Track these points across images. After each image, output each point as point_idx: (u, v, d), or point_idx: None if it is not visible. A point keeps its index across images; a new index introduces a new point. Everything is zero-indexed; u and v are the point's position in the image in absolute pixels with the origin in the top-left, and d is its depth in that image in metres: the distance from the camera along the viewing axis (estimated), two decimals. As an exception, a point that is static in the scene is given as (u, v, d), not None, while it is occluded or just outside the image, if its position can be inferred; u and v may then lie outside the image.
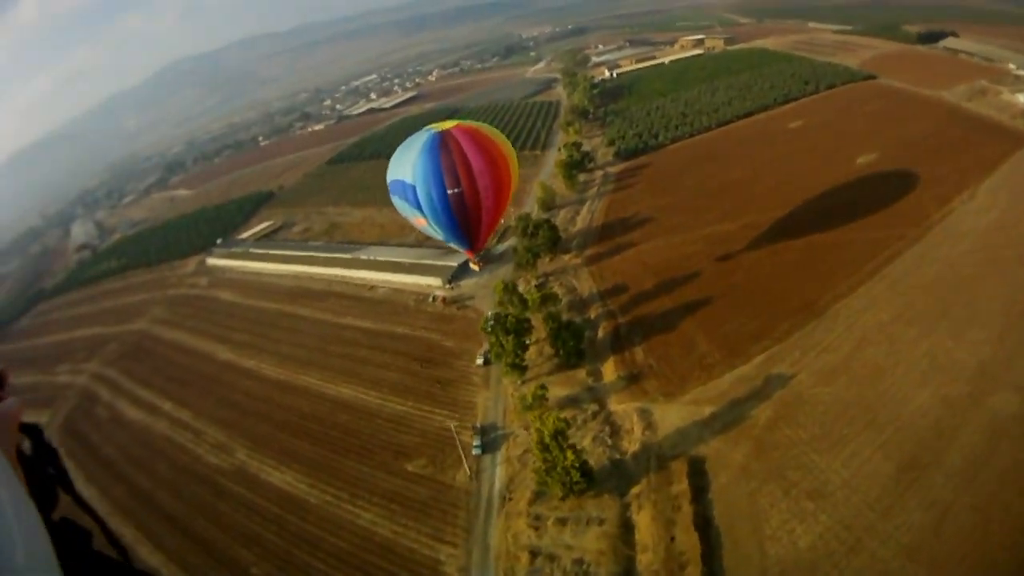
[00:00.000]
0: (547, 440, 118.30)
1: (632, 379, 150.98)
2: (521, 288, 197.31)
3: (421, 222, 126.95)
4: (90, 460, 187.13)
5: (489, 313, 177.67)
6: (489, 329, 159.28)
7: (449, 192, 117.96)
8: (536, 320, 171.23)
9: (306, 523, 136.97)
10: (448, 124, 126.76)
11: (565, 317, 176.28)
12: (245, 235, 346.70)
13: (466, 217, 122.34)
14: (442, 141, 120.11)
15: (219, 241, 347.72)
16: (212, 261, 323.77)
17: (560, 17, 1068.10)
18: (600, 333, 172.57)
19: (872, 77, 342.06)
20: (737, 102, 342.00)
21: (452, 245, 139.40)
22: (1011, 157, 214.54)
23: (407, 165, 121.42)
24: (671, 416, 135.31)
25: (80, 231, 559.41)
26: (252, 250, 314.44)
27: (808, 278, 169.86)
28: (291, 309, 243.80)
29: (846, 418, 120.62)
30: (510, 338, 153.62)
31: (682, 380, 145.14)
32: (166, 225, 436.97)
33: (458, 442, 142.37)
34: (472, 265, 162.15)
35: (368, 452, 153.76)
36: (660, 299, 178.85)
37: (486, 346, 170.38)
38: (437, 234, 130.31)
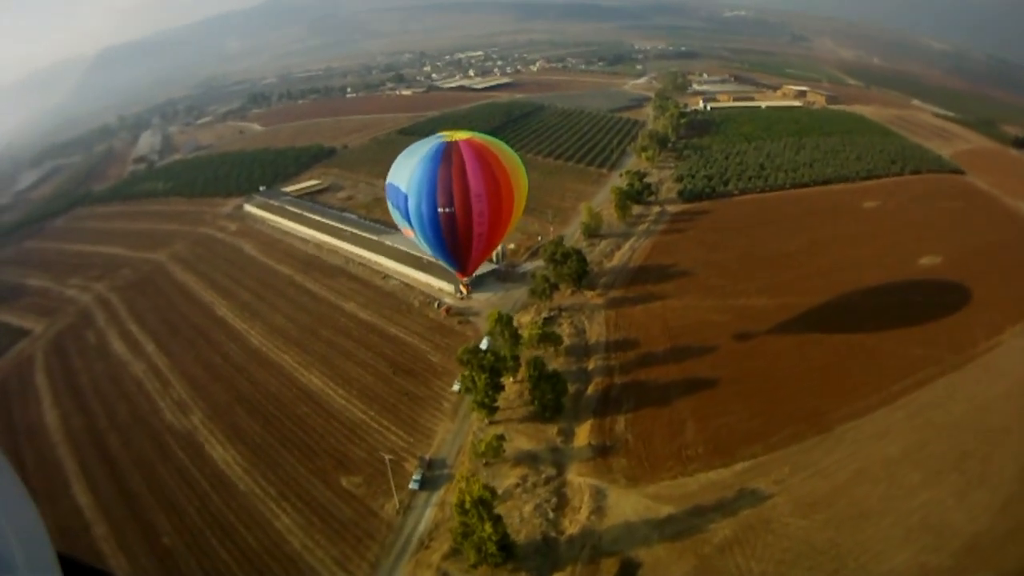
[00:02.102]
0: (468, 506, 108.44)
1: (602, 451, 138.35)
2: (527, 319, 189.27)
3: (410, 233, 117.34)
4: (63, 383, 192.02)
5: (484, 341, 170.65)
6: (464, 360, 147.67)
7: (440, 210, 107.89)
8: (527, 357, 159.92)
9: (228, 508, 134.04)
10: (461, 135, 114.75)
11: (559, 363, 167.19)
12: (289, 188, 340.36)
13: (455, 240, 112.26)
14: (445, 153, 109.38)
15: (262, 188, 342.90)
16: (248, 208, 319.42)
17: (676, 36, 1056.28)
18: (590, 388, 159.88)
19: (959, 172, 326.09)
20: (819, 166, 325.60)
21: (441, 263, 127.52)
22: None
23: (406, 171, 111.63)
24: (626, 505, 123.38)
25: (146, 142, 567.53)
26: (288, 207, 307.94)
27: (827, 384, 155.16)
28: (301, 279, 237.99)
29: (808, 562, 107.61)
30: (483, 376, 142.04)
31: (653, 467, 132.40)
32: (223, 157, 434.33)
33: (390, 476, 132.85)
34: (461, 287, 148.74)
35: (312, 454, 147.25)
36: (666, 366, 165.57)
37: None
38: (425, 250, 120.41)
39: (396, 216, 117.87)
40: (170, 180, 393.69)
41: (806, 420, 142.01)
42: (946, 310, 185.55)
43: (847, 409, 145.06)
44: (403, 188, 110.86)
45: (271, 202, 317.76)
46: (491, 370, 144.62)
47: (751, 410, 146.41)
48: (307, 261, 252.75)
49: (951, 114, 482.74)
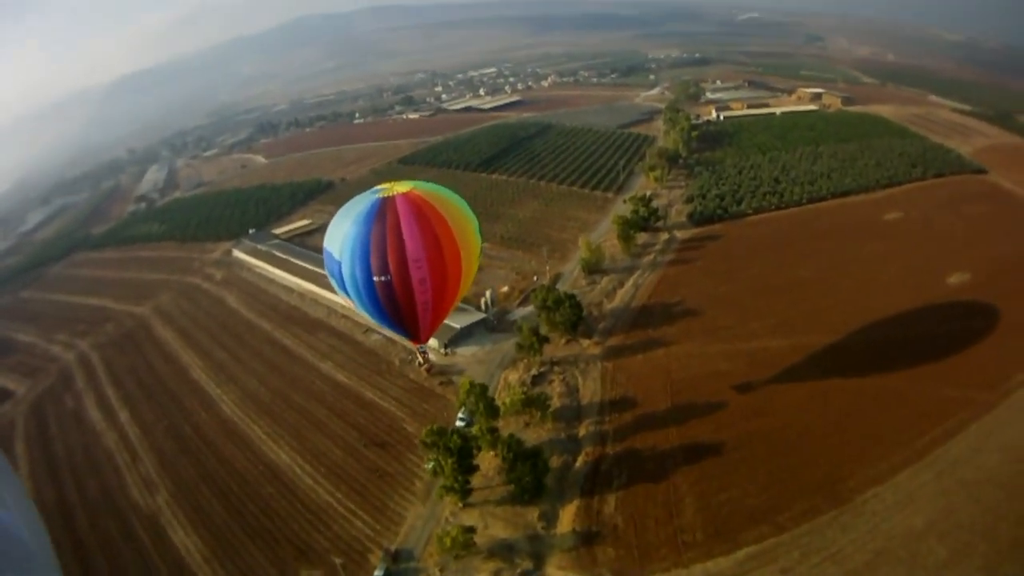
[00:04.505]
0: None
1: (588, 538, 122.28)
2: (515, 376, 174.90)
3: (350, 304, 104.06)
4: (40, 453, 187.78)
5: (460, 412, 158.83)
6: (429, 443, 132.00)
7: (375, 279, 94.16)
8: (507, 427, 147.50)
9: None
10: (401, 187, 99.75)
11: (546, 431, 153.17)
12: (280, 230, 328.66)
13: (397, 310, 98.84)
14: (379, 212, 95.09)
15: (251, 231, 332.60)
16: (236, 253, 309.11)
17: (689, 43, 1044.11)
18: (579, 460, 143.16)
19: (982, 171, 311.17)
20: (837, 176, 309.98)
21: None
22: None
23: (339, 234, 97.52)
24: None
25: (150, 179, 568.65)
26: (275, 251, 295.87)
27: (846, 443, 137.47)
28: (279, 336, 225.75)
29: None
30: (451, 460, 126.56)
31: (644, 557, 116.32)
32: (219, 196, 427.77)
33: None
34: (418, 356, 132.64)
35: (274, 542, 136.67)
36: (666, 430, 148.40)
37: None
38: (368, 319, 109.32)
39: (334, 285, 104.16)
40: (165, 222, 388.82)
41: (821, 491, 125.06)
42: (977, 338, 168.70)
43: (868, 473, 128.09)
44: (336, 254, 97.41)
45: (259, 247, 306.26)
46: (460, 451, 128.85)
47: (759, 482, 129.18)
48: (288, 314, 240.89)
49: (968, 108, 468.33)
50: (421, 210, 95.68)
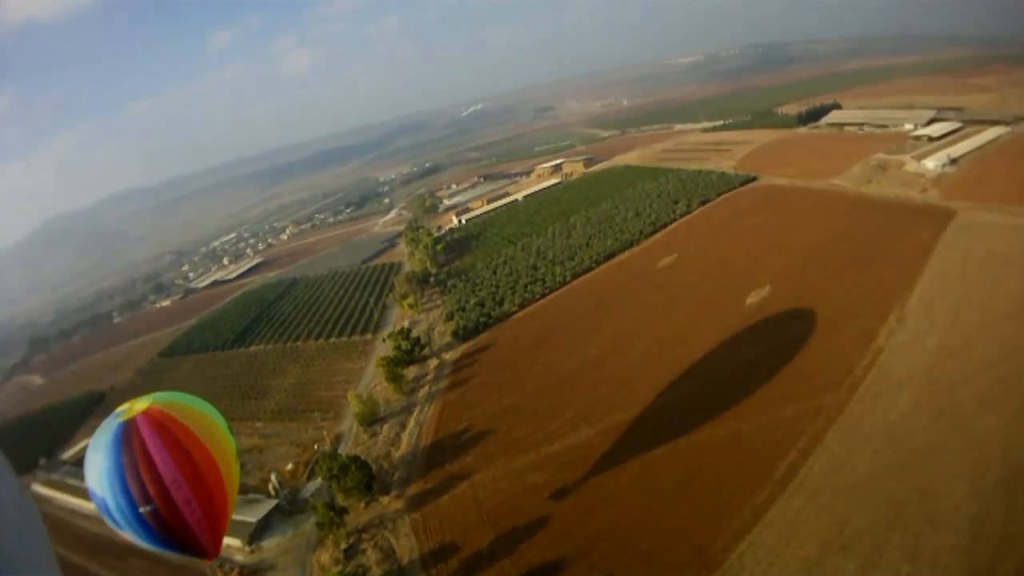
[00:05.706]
0: None
1: None
2: (327, 557, 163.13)
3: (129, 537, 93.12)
4: None
5: None
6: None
7: (141, 510, 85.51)
8: None
9: None
10: (141, 404, 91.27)
11: None
12: (67, 454, 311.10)
13: (172, 536, 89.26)
14: (124, 438, 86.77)
15: (42, 461, 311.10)
16: (36, 487, 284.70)
17: (417, 155, 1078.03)
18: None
19: (752, 179, 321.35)
20: (596, 241, 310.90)
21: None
22: (935, 247, 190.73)
23: (94, 469, 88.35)
24: None
25: None
26: (67, 480, 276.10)
27: (696, 507, 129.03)
28: (93, 569, 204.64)
29: None
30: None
31: None
32: (6, 426, 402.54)
33: None
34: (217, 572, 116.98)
35: None
36: (498, 564, 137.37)
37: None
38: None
39: (108, 522, 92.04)
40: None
41: (690, 566, 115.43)
42: (801, 343, 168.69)
43: (733, 527, 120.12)
44: (98, 491, 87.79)
45: (51, 476, 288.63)
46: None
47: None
48: (95, 544, 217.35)
49: (720, 123, 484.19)
50: (164, 426, 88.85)
